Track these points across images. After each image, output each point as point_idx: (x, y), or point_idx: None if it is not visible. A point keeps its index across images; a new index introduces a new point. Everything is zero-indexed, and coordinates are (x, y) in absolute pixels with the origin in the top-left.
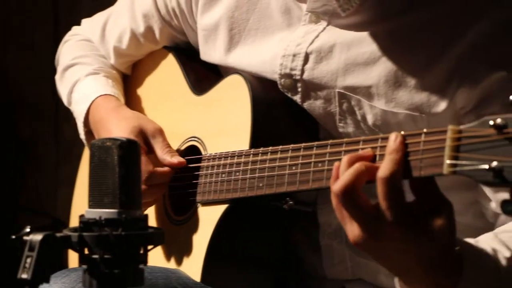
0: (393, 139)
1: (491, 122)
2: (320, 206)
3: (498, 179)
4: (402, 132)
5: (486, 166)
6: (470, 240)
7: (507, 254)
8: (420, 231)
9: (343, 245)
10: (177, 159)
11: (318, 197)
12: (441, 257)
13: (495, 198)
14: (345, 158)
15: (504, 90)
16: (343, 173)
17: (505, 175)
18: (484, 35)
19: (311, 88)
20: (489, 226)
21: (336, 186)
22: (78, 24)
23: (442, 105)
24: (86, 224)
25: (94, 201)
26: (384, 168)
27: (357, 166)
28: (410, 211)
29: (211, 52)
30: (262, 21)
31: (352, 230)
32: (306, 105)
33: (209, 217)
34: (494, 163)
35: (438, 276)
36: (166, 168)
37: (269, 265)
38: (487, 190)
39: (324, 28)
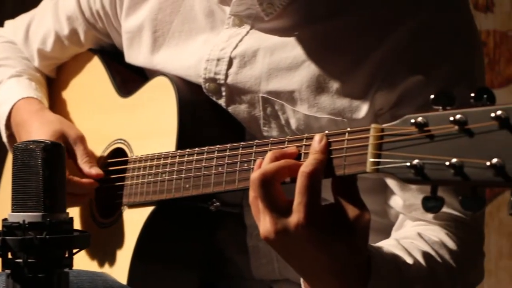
0: (318, 140)
1: (412, 121)
2: (247, 208)
3: (419, 176)
4: (326, 132)
5: (408, 164)
6: (374, 246)
7: (410, 261)
8: (333, 235)
9: (270, 246)
10: (95, 171)
11: (244, 199)
12: (351, 264)
13: (403, 197)
14: (268, 154)
15: (420, 93)
16: (265, 165)
17: (426, 172)
18: (404, 40)
19: (235, 92)
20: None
21: (255, 174)
22: (1, 25)
23: (363, 110)
24: (9, 228)
25: (18, 204)
26: (307, 163)
27: (281, 161)
28: (324, 213)
29: (136, 54)
30: (186, 24)
31: (264, 224)
32: (230, 109)
33: (135, 219)
34: (416, 161)
35: (345, 282)
36: (85, 180)
37: (196, 266)
38: (396, 189)
39: (248, 32)
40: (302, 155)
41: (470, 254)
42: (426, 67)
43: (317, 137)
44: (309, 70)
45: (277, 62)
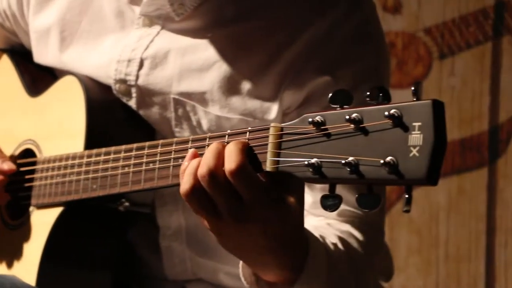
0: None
1: (310, 120)
2: (159, 209)
3: (317, 175)
4: (228, 131)
5: (306, 162)
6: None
7: (333, 240)
8: (277, 209)
9: (183, 246)
10: (7, 166)
11: (155, 200)
12: (299, 232)
13: (311, 194)
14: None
15: (326, 93)
16: (206, 158)
17: (324, 170)
18: (313, 41)
19: (146, 94)
20: None
21: (202, 169)
22: None
23: (274, 111)
24: None
25: None
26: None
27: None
28: (268, 191)
29: (44, 54)
30: (95, 24)
31: (215, 218)
32: (141, 111)
33: (44, 220)
34: (314, 160)
35: (291, 252)
36: None
37: (108, 267)
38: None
39: (158, 33)
40: None
41: (374, 245)
42: (332, 68)
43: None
44: (221, 71)
45: (188, 63)
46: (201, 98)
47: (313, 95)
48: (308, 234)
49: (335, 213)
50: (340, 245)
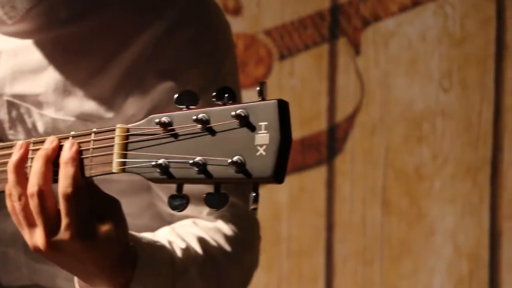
0: (69, 148)
1: (157, 120)
2: None
3: (165, 175)
4: (73, 133)
5: (153, 163)
6: (147, 235)
7: (183, 245)
8: (95, 235)
9: (19, 252)
10: None
11: None
12: (118, 255)
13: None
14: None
15: (172, 100)
16: (34, 171)
17: (171, 171)
18: (151, 44)
19: None
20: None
21: (32, 189)
22: None
23: (111, 114)
24: None
25: None
26: (65, 184)
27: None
28: (88, 219)
29: None
30: None
31: (35, 237)
32: None
33: None
34: (161, 160)
35: (115, 273)
36: None
37: None
38: (160, 191)
39: None
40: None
41: (246, 238)
42: (174, 72)
43: (67, 144)
44: (55, 73)
45: (21, 65)
46: (35, 100)
47: (159, 102)
48: (139, 250)
49: (207, 210)
50: (197, 247)
